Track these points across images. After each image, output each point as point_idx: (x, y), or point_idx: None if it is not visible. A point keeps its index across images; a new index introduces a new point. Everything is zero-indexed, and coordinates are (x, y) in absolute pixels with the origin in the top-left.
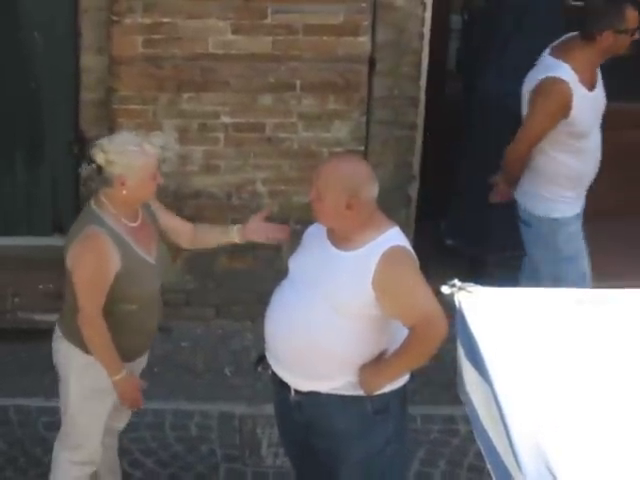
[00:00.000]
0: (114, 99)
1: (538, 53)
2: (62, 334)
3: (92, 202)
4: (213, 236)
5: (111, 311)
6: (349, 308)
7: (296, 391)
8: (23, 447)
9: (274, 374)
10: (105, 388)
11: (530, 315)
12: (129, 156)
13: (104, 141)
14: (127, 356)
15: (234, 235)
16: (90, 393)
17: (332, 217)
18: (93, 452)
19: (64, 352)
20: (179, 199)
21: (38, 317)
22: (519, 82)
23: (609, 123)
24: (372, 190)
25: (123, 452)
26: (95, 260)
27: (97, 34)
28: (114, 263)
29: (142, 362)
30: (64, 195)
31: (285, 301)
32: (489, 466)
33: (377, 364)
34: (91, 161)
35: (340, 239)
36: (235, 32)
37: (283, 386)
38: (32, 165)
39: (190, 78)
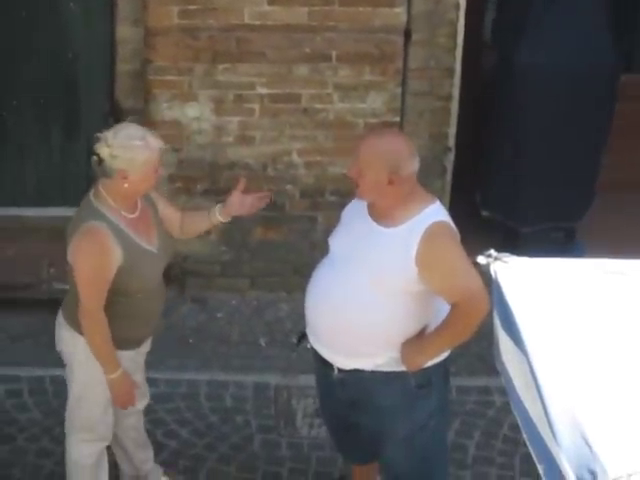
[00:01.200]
0: (150, 70)
1: (573, 27)
2: (66, 321)
3: (91, 195)
4: (199, 221)
5: (117, 302)
6: (391, 284)
7: (339, 369)
8: (59, 417)
9: (315, 351)
10: None
11: (566, 285)
12: (133, 151)
13: (108, 134)
14: (132, 343)
15: (218, 216)
16: (95, 380)
17: (373, 193)
18: (99, 431)
19: (67, 340)
20: (214, 170)
21: None
22: (553, 55)
23: None
24: (413, 165)
25: (158, 422)
26: (95, 257)
27: (133, 5)
28: (115, 258)
29: (146, 347)
30: None
31: (326, 279)
32: (525, 436)
33: (419, 341)
34: (94, 154)
35: (381, 215)
36: (271, 3)
37: (325, 364)
38: (67, 136)
39: (226, 49)
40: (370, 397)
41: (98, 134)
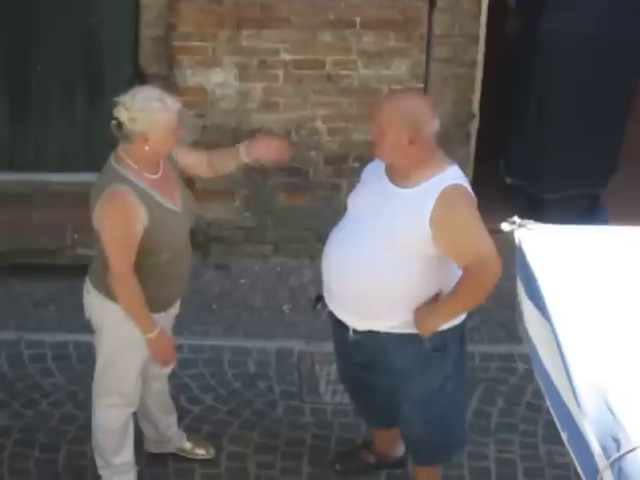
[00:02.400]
0: (174, 36)
1: None
2: (94, 287)
3: (112, 159)
4: (227, 161)
5: (144, 263)
6: (406, 245)
7: (354, 330)
8: (83, 382)
9: (332, 313)
10: (139, 339)
11: (589, 252)
12: (152, 112)
13: (127, 98)
14: (162, 305)
15: (242, 155)
16: (124, 345)
17: (394, 153)
18: (128, 396)
19: (96, 306)
20: (238, 136)
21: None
22: (578, 22)
23: None
24: (433, 125)
25: (182, 388)
26: (121, 219)
27: None
28: (141, 219)
29: (175, 309)
30: None
31: (344, 239)
32: (548, 403)
33: (432, 305)
34: (113, 119)
35: (399, 176)
36: None
37: (341, 325)
38: (91, 102)
39: (250, 15)
40: (384, 358)
41: (116, 99)
